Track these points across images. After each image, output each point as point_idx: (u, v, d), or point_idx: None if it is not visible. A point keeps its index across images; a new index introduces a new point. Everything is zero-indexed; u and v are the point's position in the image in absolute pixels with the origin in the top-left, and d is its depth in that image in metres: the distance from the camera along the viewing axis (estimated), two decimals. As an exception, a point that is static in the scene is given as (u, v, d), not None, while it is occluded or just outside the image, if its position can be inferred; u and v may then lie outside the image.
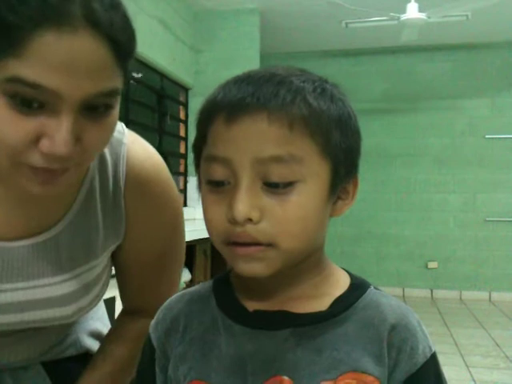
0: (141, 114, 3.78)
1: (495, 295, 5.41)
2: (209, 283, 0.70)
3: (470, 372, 3.18)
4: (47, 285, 0.79)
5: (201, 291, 0.70)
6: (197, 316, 0.67)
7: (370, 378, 0.58)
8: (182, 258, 0.97)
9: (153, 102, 4.05)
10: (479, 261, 5.45)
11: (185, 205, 4.42)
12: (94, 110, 0.63)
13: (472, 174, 5.49)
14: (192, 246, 3.02)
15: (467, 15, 4.28)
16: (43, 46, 0.57)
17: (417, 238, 5.60)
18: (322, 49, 5.60)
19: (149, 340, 0.70)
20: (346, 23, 4.64)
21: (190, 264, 3.09)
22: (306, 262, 0.63)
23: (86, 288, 0.82)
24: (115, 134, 0.79)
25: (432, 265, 5.55)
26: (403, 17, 3.81)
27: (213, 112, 0.59)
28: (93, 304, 0.85)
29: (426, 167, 5.58)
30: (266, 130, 0.56)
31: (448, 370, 3.17)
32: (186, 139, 4.48)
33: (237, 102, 0.57)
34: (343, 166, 0.60)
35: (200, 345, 0.64)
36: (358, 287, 0.65)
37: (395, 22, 3.93)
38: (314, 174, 0.57)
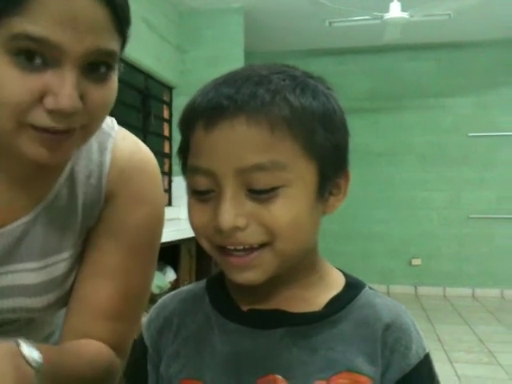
0: (125, 114, 3.75)
1: (478, 291, 5.47)
2: (202, 282, 0.70)
3: (453, 367, 3.21)
4: (18, 271, 0.77)
5: (194, 290, 0.69)
6: (190, 315, 0.66)
7: (364, 378, 0.58)
8: (148, 271, 0.88)
9: (137, 102, 4.03)
10: (463, 257, 5.50)
11: (169, 204, 4.40)
12: (95, 70, 0.66)
13: (456, 171, 5.54)
14: (177, 246, 3.01)
15: (449, 14, 4.31)
16: (46, 3, 0.60)
17: (401, 235, 5.64)
18: (306, 48, 5.61)
19: (141, 339, 0.69)
20: (330, 22, 4.66)
21: (174, 264, 3.08)
22: (300, 263, 0.62)
23: (55, 281, 0.80)
24: (104, 126, 0.81)
25: (416, 262, 5.60)
26: (386, 16, 3.83)
27: (192, 119, 0.58)
28: (61, 303, 0.83)
29: (411, 165, 5.62)
30: (245, 135, 0.55)
31: (432, 366, 3.20)
32: (170, 139, 4.47)
33: (214, 106, 0.56)
34: (330, 165, 0.59)
35: (193, 343, 0.64)
36: (353, 287, 0.64)
37: (378, 21, 3.95)
38: (299, 177, 0.56)
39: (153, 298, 3.24)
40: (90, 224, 0.82)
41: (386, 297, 0.65)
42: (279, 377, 0.59)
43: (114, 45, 0.67)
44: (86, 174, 0.81)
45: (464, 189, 5.52)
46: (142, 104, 4.08)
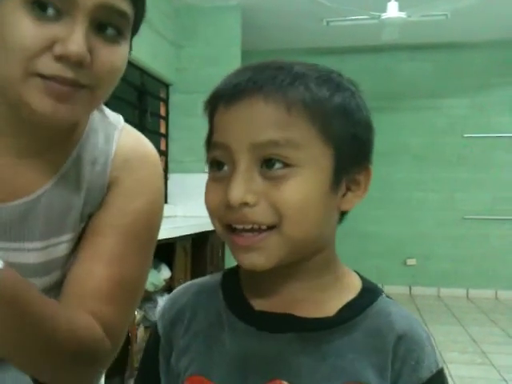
0: (121, 111, 3.73)
1: (472, 292, 5.48)
2: (218, 276, 0.69)
3: (447, 368, 3.22)
4: (20, 249, 0.77)
5: (209, 284, 0.68)
6: (203, 309, 0.65)
7: None
8: (146, 260, 0.87)
9: (133, 99, 4.02)
10: (457, 258, 5.52)
11: (165, 202, 4.39)
12: (104, 30, 0.69)
13: (451, 172, 5.55)
14: (172, 244, 3.00)
15: (447, 15, 4.32)
16: None
17: (396, 235, 5.65)
18: (304, 47, 5.60)
19: (155, 328, 0.69)
20: (328, 21, 4.66)
21: (169, 261, 3.08)
22: (313, 260, 0.61)
23: (56, 263, 0.80)
24: (111, 118, 0.84)
25: (410, 262, 5.60)
26: (384, 16, 3.83)
27: (214, 101, 0.60)
28: (54, 290, 0.82)
29: (406, 165, 5.62)
30: (262, 113, 0.56)
31: (426, 366, 3.20)
32: (166, 136, 4.46)
33: (234, 87, 0.57)
34: (348, 156, 0.59)
35: (204, 338, 0.63)
36: (369, 293, 0.62)
37: (376, 20, 3.95)
38: (313, 159, 0.56)
39: (147, 296, 3.23)
40: (91, 209, 0.83)
41: (401, 306, 0.63)
42: (286, 383, 0.57)
43: (125, 6, 0.69)
44: (92, 161, 0.82)
45: (459, 189, 5.54)
46: (138, 101, 4.07)
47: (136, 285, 0.85)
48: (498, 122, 5.45)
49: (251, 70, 0.58)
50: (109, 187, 0.83)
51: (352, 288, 0.63)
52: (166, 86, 4.50)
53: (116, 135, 0.84)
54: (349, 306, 0.60)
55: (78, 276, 0.80)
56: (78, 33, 0.65)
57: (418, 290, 5.58)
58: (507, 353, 3.56)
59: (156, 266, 2.97)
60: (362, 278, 0.65)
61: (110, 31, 0.69)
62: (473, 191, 5.51)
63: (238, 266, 0.66)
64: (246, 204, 0.55)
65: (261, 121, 0.55)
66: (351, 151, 0.59)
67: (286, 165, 0.55)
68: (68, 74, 0.66)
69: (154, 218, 0.86)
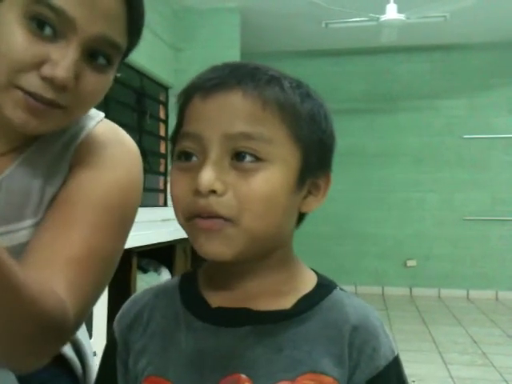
0: (120, 113, 3.75)
1: (473, 293, 5.48)
2: (176, 279, 0.70)
3: (447, 369, 3.21)
4: None
5: (167, 286, 0.70)
6: (160, 310, 0.66)
7: (329, 380, 0.57)
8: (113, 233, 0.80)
9: (132, 101, 4.02)
10: (457, 259, 5.52)
11: (165, 204, 4.40)
12: (95, 59, 0.70)
13: (450, 173, 5.55)
14: (172, 246, 3.00)
15: (445, 16, 4.33)
16: None
17: (395, 236, 5.65)
18: (302, 49, 5.61)
19: (112, 334, 0.69)
20: (326, 23, 4.66)
21: (170, 264, 3.08)
22: (271, 257, 0.63)
23: (16, 249, 0.75)
24: (90, 113, 0.83)
25: (410, 263, 5.60)
26: (382, 17, 3.84)
27: (189, 93, 0.62)
28: None
29: (405, 166, 5.63)
30: (238, 106, 0.57)
31: (426, 368, 3.20)
32: (166, 139, 4.46)
33: (213, 80, 0.59)
34: (314, 158, 0.61)
35: (160, 339, 0.64)
36: (323, 287, 0.64)
37: (374, 22, 3.95)
38: (282, 157, 0.58)
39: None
40: (53, 190, 0.80)
41: (355, 297, 0.65)
42: (243, 376, 0.58)
43: (120, 40, 0.71)
44: (56, 145, 0.81)
45: (458, 190, 5.54)
46: (137, 103, 4.07)
47: (107, 258, 0.79)
48: (496, 123, 5.46)
49: (229, 67, 0.61)
50: (76, 163, 0.80)
51: (308, 283, 0.64)
52: (166, 88, 4.50)
53: (91, 124, 0.84)
54: (304, 298, 0.62)
55: (48, 241, 0.74)
56: (69, 58, 0.66)
57: (418, 292, 5.58)
58: (508, 354, 3.56)
59: (156, 269, 2.98)
60: (317, 274, 0.67)
61: (100, 60, 0.71)
62: (472, 192, 5.51)
63: (195, 268, 0.68)
64: (213, 192, 0.56)
65: (236, 113, 0.57)
66: (317, 155, 0.61)
67: (257, 159, 0.57)
68: (48, 94, 0.67)
69: (128, 196, 0.82)
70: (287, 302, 0.62)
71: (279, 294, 0.63)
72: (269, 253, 0.62)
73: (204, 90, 0.59)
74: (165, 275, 2.99)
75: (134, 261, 2.52)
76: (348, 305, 0.62)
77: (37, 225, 0.79)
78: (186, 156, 0.60)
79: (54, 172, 0.81)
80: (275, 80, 0.59)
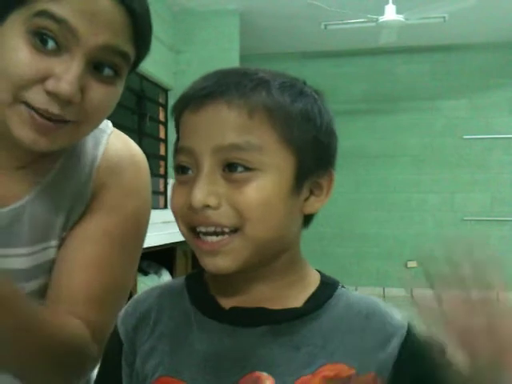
0: (120, 116, 3.75)
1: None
2: (181, 279, 0.70)
3: (449, 370, 3.21)
4: (9, 255, 0.77)
5: (172, 286, 0.70)
6: (168, 311, 0.66)
7: (346, 368, 0.59)
8: (131, 264, 0.87)
9: (132, 104, 4.03)
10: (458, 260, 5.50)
11: (165, 207, 4.40)
12: (101, 70, 0.69)
13: (450, 173, 5.55)
14: (172, 249, 3.00)
15: (444, 17, 4.32)
16: None
17: (396, 237, 5.65)
18: (302, 50, 5.62)
19: (116, 334, 0.69)
20: (325, 25, 4.66)
21: (170, 266, 3.08)
22: (278, 261, 0.63)
23: (44, 267, 0.80)
24: (101, 125, 0.82)
25: (412, 264, 5.60)
26: (381, 19, 3.84)
27: (181, 106, 0.62)
28: (41, 293, 0.81)
29: (405, 167, 5.63)
30: (225, 117, 0.57)
31: (428, 369, 3.20)
32: (165, 141, 4.46)
33: (200, 91, 0.59)
34: (310, 160, 0.60)
35: (170, 340, 0.64)
36: (328, 285, 0.66)
37: (373, 23, 3.96)
38: (274, 164, 0.58)
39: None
40: (77, 216, 0.82)
41: (356, 292, 0.67)
42: (264, 373, 0.59)
43: (128, 48, 0.70)
44: (79, 167, 0.82)
45: (458, 191, 5.54)
46: (136, 106, 4.08)
47: (123, 289, 0.85)
48: (496, 124, 5.46)
49: (217, 76, 0.61)
50: (95, 193, 0.83)
51: (313, 282, 0.66)
52: (165, 91, 4.50)
53: (104, 139, 0.84)
54: (312, 297, 0.63)
55: (66, 281, 0.79)
56: (73, 72, 0.65)
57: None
58: (509, 354, 3.56)
59: (157, 271, 2.97)
60: (321, 273, 0.68)
61: (107, 71, 0.70)
62: (472, 192, 5.51)
63: (201, 270, 0.67)
64: (208, 206, 0.57)
65: (223, 125, 0.57)
66: (313, 156, 0.61)
67: (248, 168, 0.57)
68: (55, 109, 0.66)
69: (141, 223, 0.86)
70: (297, 302, 0.63)
71: (288, 295, 0.63)
72: (274, 257, 0.62)
73: (192, 103, 0.60)
74: (165, 277, 2.99)
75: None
76: (353, 298, 0.65)
77: (60, 246, 0.82)
78: (182, 170, 0.61)
79: (78, 199, 0.82)
80: (262, 84, 0.59)
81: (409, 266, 5.61)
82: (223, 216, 0.57)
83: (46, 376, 0.73)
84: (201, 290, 0.66)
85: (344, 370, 0.59)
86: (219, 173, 0.57)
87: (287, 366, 0.59)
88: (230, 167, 0.57)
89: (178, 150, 0.61)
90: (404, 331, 0.62)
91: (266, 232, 0.58)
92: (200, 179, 0.57)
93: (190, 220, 0.59)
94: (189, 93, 0.61)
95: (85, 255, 0.80)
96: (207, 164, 0.57)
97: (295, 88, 0.61)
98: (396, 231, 5.65)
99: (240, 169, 0.57)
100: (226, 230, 0.57)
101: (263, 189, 0.57)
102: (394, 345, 0.61)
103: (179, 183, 0.61)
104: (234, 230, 0.57)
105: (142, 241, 0.88)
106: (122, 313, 0.70)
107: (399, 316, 0.64)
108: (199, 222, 0.58)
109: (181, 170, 0.61)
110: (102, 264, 0.80)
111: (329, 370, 0.59)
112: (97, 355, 0.78)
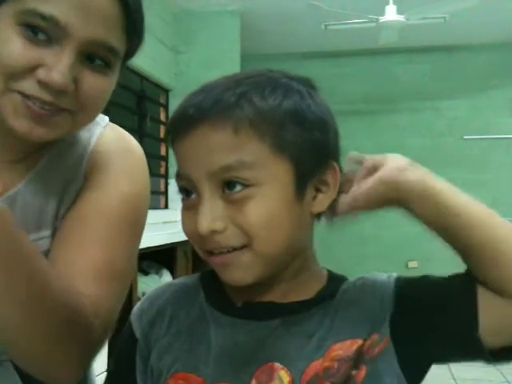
0: (120, 116, 3.75)
1: (474, 294, 5.46)
2: (195, 276, 0.71)
3: (450, 370, 3.21)
4: None
5: (187, 283, 0.70)
6: (184, 308, 0.67)
7: (353, 342, 0.60)
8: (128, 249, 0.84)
9: (133, 104, 4.03)
10: (459, 260, 5.50)
11: (166, 207, 4.40)
12: (92, 61, 0.69)
13: (450, 174, 5.43)
14: (173, 248, 3.00)
15: (445, 17, 4.32)
16: None
17: (396, 237, 5.64)
18: (302, 50, 5.61)
19: (130, 329, 0.69)
20: (326, 25, 4.66)
21: (171, 266, 3.08)
22: (291, 265, 0.63)
23: None
24: (96, 117, 0.82)
25: (412, 264, 5.59)
26: (382, 19, 3.83)
27: (169, 131, 0.62)
28: None
29: (406, 168, 5.62)
30: (211, 140, 0.57)
31: (428, 368, 3.20)
32: (166, 141, 4.45)
33: (182, 117, 0.59)
34: (308, 162, 0.59)
35: (187, 337, 0.64)
36: (336, 279, 0.68)
37: (374, 24, 3.95)
38: (271, 176, 0.57)
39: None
40: (68, 202, 0.82)
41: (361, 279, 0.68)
42: (277, 364, 0.60)
43: (117, 43, 0.70)
44: (70, 154, 0.81)
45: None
46: (137, 106, 4.07)
47: (124, 268, 0.82)
48: (497, 124, 5.45)
49: (199, 94, 0.60)
50: (87, 177, 0.82)
51: (323, 278, 0.68)
52: (166, 91, 4.50)
53: (98, 130, 0.84)
54: (322, 290, 0.65)
55: (66, 258, 0.77)
56: (64, 62, 0.66)
57: (419, 293, 5.57)
58: (509, 354, 3.56)
59: (157, 271, 2.97)
60: (328, 270, 0.70)
61: (98, 62, 0.70)
62: (473, 193, 5.43)
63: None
64: (215, 231, 0.57)
65: (211, 148, 0.57)
66: (310, 156, 0.60)
67: (246, 185, 0.56)
68: (47, 97, 0.66)
69: (138, 209, 0.85)
70: (307, 295, 0.64)
71: (300, 289, 0.65)
72: (287, 264, 0.63)
73: (177, 129, 0.60)
74: (166, 277, 2.99)
75: (135, 263, 2.52)
76: (359, 286, 0.66)
77: (53, 235, 0.81)
78: (186, 193, 0.61)
79: (69, 185, 0.81)
80: (244, 96, 0.57)
81: (409, 266, 5.61)
82: (231, 238, 0.57)
83: (45, 346, 0.66)
84: (215, 288, 0.67)
85: (351, 344, 0.60)
86: (219, 195, 0.58)
87: (299, 354, 0.60)
88: (228, 186, 0.57)
89: (177, 175, 0.62)
90: (392, 285, 0.63)
91: (275, 247, 0.58)
92: (202, 206, 0.57)
93: (202, 245, 0.60)
94: (173, 121, 0.62)
95: (83, 233, 0.78)
96: (206, 189, 0.58)
97: (279, 89, 0.59)
98: (396, 232, 5.64)
99: (238, 187, 0.57)
100: (237, 247, 0.58)
101: (263, 205, 0.57)
102: (389, 300, 0.62)
103: (185, 208, 0.62)
104: (244, 246, 0.58)
105: (141, 228, 0.87)
106: (136, 310, 0.70)
107: (384, 276, 0.66)
108: (211, 247, 0.59)
109: (184, 193, 0.61)
110: (101, 241, 0.78)
111: (337, 350, 0.60)
112: (101, 334, 0.73)
